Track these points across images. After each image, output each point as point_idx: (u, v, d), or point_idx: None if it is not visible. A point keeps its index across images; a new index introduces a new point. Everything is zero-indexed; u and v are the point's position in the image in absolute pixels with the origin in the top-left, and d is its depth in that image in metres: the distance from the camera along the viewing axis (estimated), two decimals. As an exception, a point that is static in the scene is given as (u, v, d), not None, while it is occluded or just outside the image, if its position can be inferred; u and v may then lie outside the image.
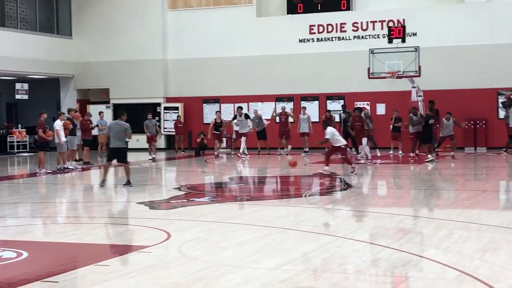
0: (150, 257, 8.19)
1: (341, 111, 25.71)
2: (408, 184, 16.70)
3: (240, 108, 25.72)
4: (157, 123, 26.83)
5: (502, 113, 24.81)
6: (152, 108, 29.96)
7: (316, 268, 7.57)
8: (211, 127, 25.55)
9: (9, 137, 30.13)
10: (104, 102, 31.20)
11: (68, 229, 10.81)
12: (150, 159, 24.23)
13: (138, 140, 27.02)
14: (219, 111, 27.19)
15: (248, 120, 25.17)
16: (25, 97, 28.62)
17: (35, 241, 9.70)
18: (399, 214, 11.48)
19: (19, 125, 30.88)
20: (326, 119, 23.97)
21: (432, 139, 21.89)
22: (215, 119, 25.76)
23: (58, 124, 20.29)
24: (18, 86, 28.27)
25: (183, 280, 7.07)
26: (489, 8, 26.46)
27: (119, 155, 16.10)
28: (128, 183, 15.99)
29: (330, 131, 17.93)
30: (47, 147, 20.39)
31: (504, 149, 23.17)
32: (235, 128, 26.78)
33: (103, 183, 16.13)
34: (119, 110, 18.20)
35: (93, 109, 29.07)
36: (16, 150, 29.82)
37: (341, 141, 17.93)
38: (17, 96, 28.43)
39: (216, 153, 25.05)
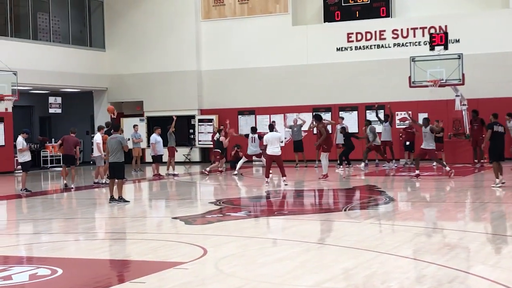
0: (187, 273, 8.03)
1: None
2: (452, 197, 15.88)
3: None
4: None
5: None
6: (187, 121, 29.45)
7: (358, 285, 7.35)
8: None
9: (43, 151, 29.81)
10: (138, 115, 30.80)
11: (103, 245, 10.67)
12: (167, 174, 23.28)
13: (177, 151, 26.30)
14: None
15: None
16: (59, 111, 28.18)
17: (69, 258, 9.47)
18: (443, 228, 11.05)
19: (53, 139, 30.51)
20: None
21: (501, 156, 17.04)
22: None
23: (99, 138, 19.83)
24: (51, 99, 27.85)
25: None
26: (535, 13, 25.49)
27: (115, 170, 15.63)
28: (120, 199, 15.45)
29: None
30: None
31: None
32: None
33: (111, 201, 15.56)
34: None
35: (127, 122, 28.82)
36: (49, 165, 29.49)
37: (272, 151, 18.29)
38: (51, 110, 28.01)
39: (220, 169, 23.86)
